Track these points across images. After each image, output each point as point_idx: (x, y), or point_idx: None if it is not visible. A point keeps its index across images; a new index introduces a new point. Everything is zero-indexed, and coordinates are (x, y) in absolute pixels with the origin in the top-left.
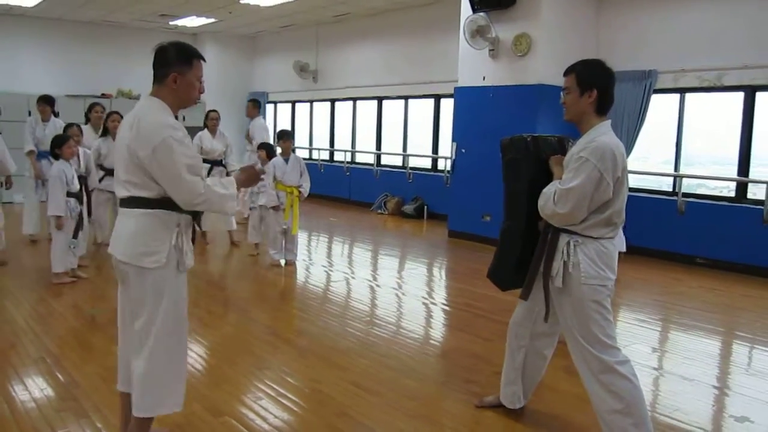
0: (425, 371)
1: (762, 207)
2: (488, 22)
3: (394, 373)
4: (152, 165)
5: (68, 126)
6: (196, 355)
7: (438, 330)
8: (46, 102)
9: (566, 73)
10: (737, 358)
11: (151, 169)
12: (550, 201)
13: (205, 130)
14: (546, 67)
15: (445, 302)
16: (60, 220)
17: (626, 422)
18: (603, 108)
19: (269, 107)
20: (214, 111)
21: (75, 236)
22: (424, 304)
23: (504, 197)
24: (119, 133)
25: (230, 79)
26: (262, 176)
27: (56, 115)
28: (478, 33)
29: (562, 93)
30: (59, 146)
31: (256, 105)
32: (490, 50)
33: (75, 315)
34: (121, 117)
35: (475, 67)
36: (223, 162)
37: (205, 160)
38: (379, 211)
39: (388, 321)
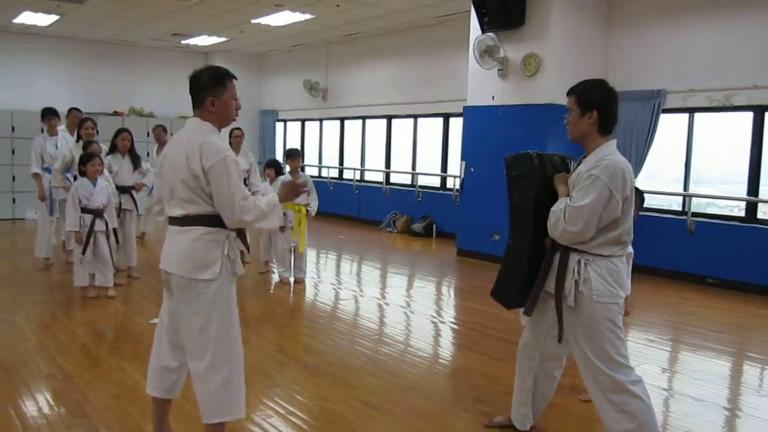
0: (435, 390)
1: None
2: (497, 41)
3: (403, 391)
4: (211, 181)
5: (89, 143)
6: None
7: (447, 349)
8: (55, 114)
9: (568, 94)
10: (748, 379)
11: (208, 186)
12: (560, 219)
13: (229, 148)
14: (555, 87)
15: (454, 321)
16: (77, 235)
17: None
18: (606, 128)
19: (279, 125)
20: (238, 129)
21: (83, 252)
22: (432, 322)
23: (509, 215)
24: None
25: (240, 97)
26: (304, 188)
27: None
28: (487, 53)
29: (565, 114)
30: (84, 164)
31: None
32: (499, 70)
33: (87, 332)
34: (131, 135)
35: (484, 86)
36: (247, 181)
37: None
38: (388, 229)
39: (396, 339)
